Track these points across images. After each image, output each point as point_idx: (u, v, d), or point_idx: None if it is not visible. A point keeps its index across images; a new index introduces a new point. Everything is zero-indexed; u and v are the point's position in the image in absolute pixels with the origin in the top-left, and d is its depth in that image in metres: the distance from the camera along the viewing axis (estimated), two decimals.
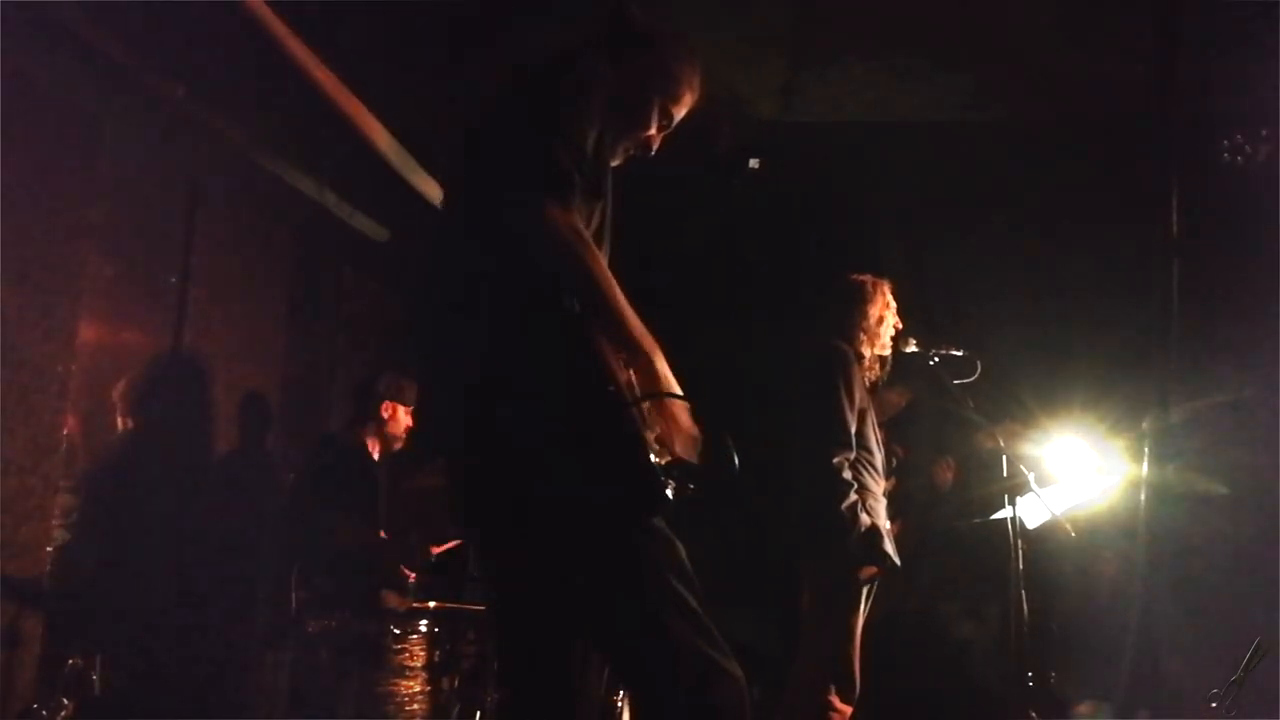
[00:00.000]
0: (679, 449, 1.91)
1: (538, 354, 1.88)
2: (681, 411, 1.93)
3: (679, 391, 1.94)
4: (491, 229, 1.92)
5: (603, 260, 1.91)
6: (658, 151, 2.28)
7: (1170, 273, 1.59)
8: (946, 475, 4.64)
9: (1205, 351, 4.00)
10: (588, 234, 1.88)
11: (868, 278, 3.84)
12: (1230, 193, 4.31)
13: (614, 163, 2.15)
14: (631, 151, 2.23)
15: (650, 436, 1.87)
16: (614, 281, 1.90)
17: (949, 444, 4.71)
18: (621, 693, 3.45)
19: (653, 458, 1.82)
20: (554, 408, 1.84)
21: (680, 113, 2.26)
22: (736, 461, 1.89)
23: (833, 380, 3.59)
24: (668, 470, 1.84)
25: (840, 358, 3.64)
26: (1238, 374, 4.34)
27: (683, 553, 1.89)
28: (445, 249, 2.07)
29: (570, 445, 1.84)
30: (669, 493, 1.82)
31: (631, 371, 1.93)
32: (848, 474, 3.52)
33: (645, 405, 1.89)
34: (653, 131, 2.24)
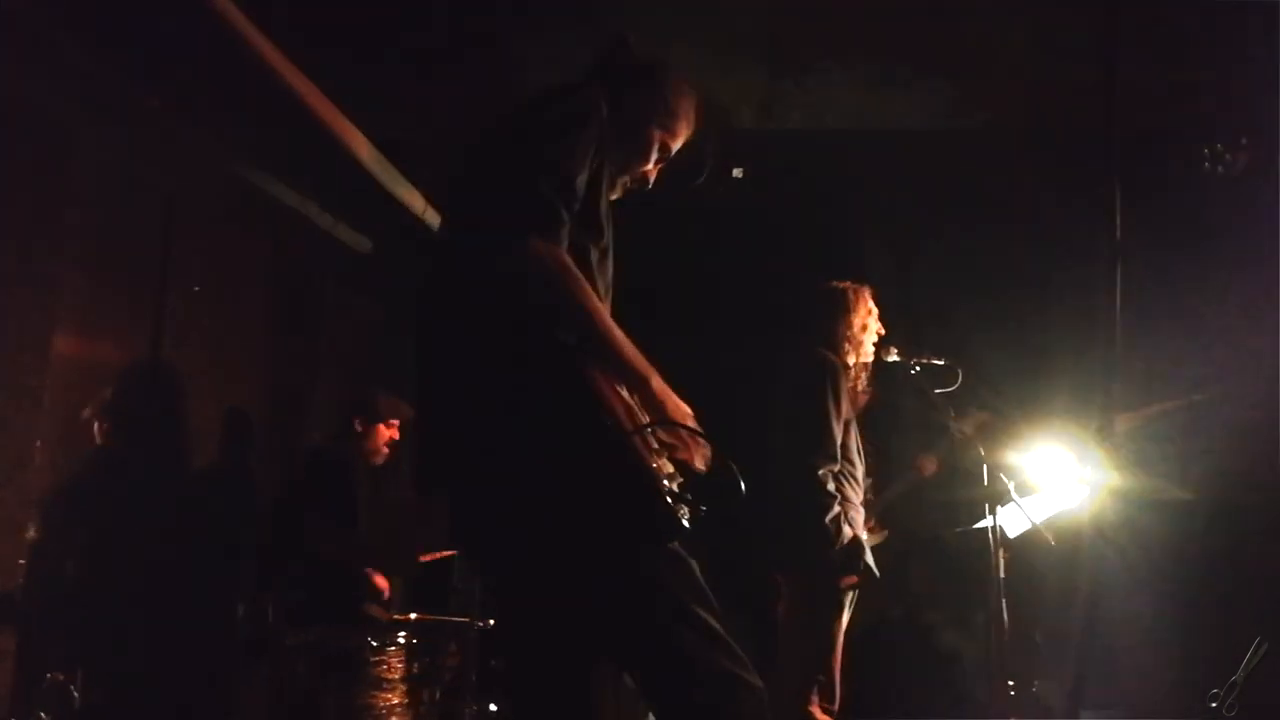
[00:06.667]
0: (697, 464, 1.94)
1: (534, 392, 1.86)
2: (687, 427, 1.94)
3: (684, 409, 1.95)
4: (481, 264, 1.91)
5: (590, 290, 1.90)
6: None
7: (1114, 278, 1.60)
8: (930, 466, 4.62)
9: (1158, 357, 4.02)
10: (574, 267, 1.88)
11: (849, 285, 3.83)
12: (1186, 199, 4.34)
13: (613, 196, 2.14)
14: (630, 186, 2.24)
15: (660, 462, 1.87)
16: (604, 311, 1.90)
17: (935, 447, 4.71)
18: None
19: (665, 483, 1.83)
20: (556, 446, 1.84)
21: (677, 145, 2.27)
22: (743, 487, 1.92)
23: (821, 392, 3.58)
24: (679, 495, 1.84)
25: (828, 369, 3.63)
26: (1192, 379, 4.37)
27: (697, 571, 1.91)
28: (439, 281, 2.05)
29: (577, 482, 1.83)
30: (683, 518, 1.83)
31: (633, 397, 1.93)
32: (831, 486, 3.52)
33: (651, 430, 1.89)
34: (650, 165, 2.25)
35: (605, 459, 1.81)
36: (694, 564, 1.91)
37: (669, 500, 1.81)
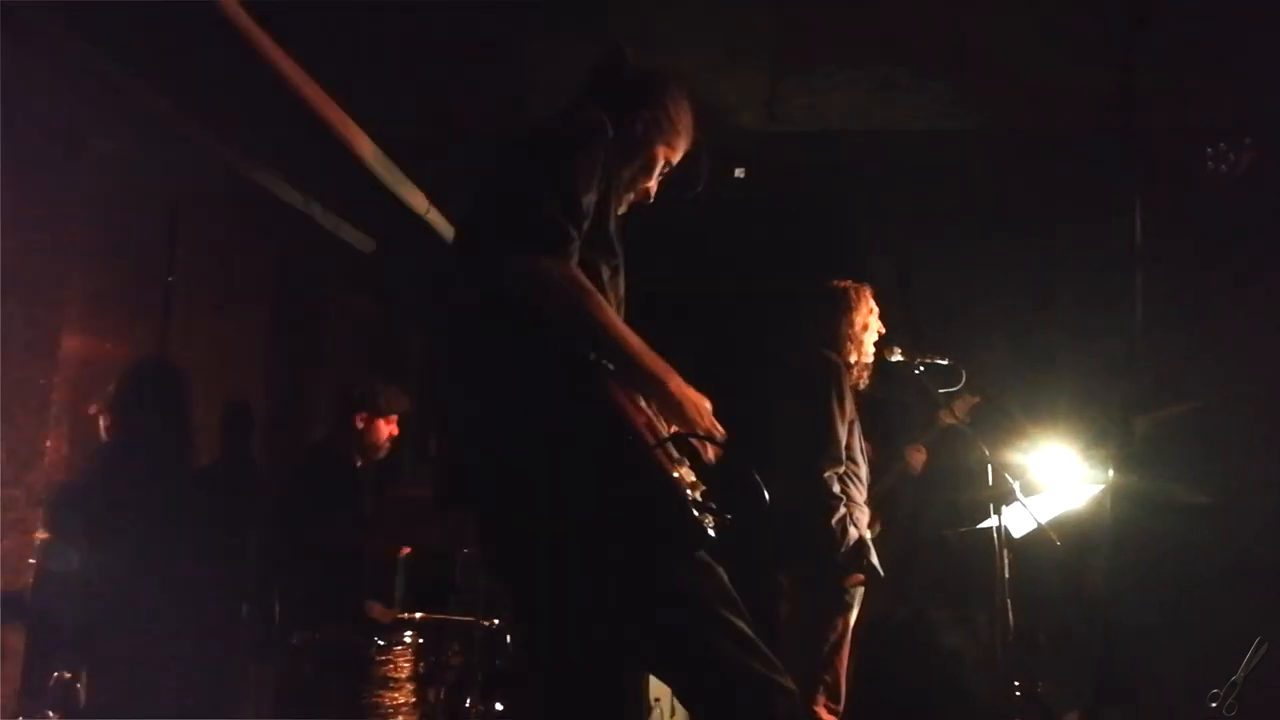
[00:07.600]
0: (709, 457, 1.97)
1: (555, 410, 1.88)
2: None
3: (703, 405, 1.97)
4: (497, 286, 1.92)
5: (604, 301, 1.91)
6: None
7: (1135, 282, 1.61)
8: (919, 458, 4.63)
9: (1174, 360, 4.03)
10: (587, 280, 1.89)
11: (849, 284, 3.84)
12: (1200, 202, 4.35)
13: (619, 212, 2.15)
14: (634, 200, 2.25)
15: (681, 472, 1.89)
16: (619, 322, 1.92)
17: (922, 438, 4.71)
18: None
19: (689, 494, 1.85)
20: (580, 462, 1.86)
21: (678, 158, 2.28)
22: (767, 496, 1.95)
23: (825, 393, 3.58)
24: (704, 504, 1.86)
25: (831, 369, 3.63)
26: (1205, 383, 4.37)
27: (725, 578, 1.93)
28: (455, 303, 2.07)
29: (603, 497, 1.86)
30: (709, 528, 1.84)
31: (653, 406, 1.95)
32: (837, 488, 3.52)
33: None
34: (654, 180, 2.26)
35: (630, 473, 1.84)
36: (721, 571, 1.93)
37: (694, 510, 1.83)
